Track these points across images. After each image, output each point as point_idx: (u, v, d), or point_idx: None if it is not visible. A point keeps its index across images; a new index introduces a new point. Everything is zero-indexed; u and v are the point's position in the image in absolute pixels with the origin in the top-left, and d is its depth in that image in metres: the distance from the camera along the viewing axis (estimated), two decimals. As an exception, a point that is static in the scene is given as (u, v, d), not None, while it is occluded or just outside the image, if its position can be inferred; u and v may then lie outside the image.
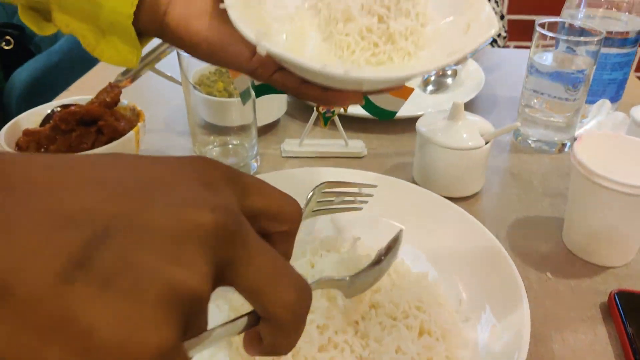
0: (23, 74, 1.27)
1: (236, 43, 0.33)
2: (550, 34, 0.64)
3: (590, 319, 0.46)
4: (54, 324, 0.15)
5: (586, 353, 0.43)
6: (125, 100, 0.62)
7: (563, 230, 0.55)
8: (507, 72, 0.95)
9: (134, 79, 0.69)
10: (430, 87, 0.86)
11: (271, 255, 0.21)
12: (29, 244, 0.16)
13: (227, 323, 0.22)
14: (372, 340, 0.39)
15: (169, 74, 0.73)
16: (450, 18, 0.35)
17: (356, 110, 0.66)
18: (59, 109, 0.61)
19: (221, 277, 0.20)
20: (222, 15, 0.33)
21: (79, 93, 0.68)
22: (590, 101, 0.73)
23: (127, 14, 0.35)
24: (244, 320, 0.22)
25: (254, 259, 0.20)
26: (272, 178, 0.47)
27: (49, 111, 0.62)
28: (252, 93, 0.61)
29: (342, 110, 0.66)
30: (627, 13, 0.71)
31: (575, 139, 0.70)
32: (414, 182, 0.62)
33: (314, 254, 0.46)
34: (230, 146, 0.66)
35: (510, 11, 1.99)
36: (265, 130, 0.74)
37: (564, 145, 0.70)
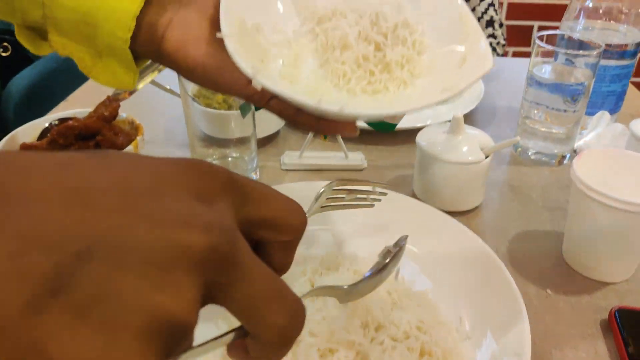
0: (20, 81, 1.27)
1: (233, 70, 0.33)
2: (549, 47, 0.64)
3: (591, 336, 0.46)
4: (20, 357, 0.14)
5: (587, 372, 0.43)
6: (124, 113, 0.62)
7: (563, 246, 0.55)
8: (506, 81, 0.95)
9: (132, 91, 0.69)
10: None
11: (266, 277, 0.20)
12: None
13: (213, 339, 0.21)
14: (373, 361, 0.39)
15: (168, 87, 0.73)
16: (446, 47, 0.36)
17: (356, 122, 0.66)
18: (56, 122, 0.61)
19: (210, 297, 0.19)
20: (219, 42, 0.33)
21: (77, 104, 0.68)
22: (590, 113, 0.73)
23: (124, 38, 0.35)
24: (231, 336, 0.21)
25: (247, 282, 0.19)
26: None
27: (46, 125, 0.61)
28: (252, 105, 0.61)
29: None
30: (625, 25, 0.71)
31: (574, 151, 0.71)
32: (414, 195, 0.62)
33: (314, 272, 0.45)
34: (230, 159, 0.66)
35: (509, 17, 2.00)
36: (265, 142, 0.74)
37: (563, 157, 0.70)
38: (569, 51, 0.64)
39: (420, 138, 0.60)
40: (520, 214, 0.61)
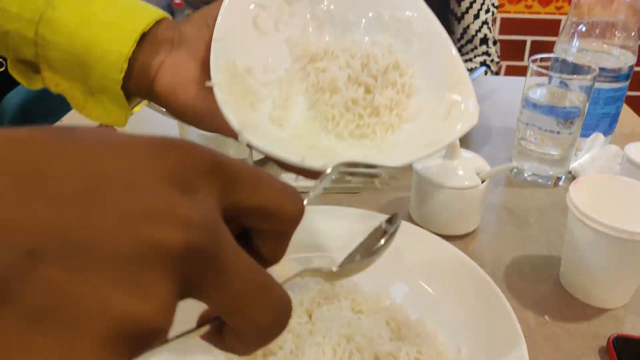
0: (14, 98, 1.26)
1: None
2: (544, 71, 0.65)
3: (589, 364, 0.46)
4: None
5: (586, 402, 0.43)
6: (119, 137, 0.62)
7: (560, 271, 0.55)
8: (500, 101, 0.96)
9: (128, 114, 0.69)
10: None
11: (249, 273, 0.18)
12: None
13: (188, 332, 0.19)
14: (372, 394, 0.38)
15: (164, 109, 0.73)
16: (436, 93, 0.36)
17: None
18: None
19: (188, 294, 0.17)
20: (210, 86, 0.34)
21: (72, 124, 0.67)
22: (584, 134, 0.74)
23: (117, 79, 0.35)
24: (207, 327, 0.20)
25: (229, 281, 0.17)
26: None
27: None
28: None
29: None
30: (618, 48, 0.72)
31: (570, 172, 0.71)
32: (410, 219, 0.62)
33: (312, 302, 0.45)
34: (226, 182, 0.66)
35: (502, 31, 2.02)
36: (261, 164, 0.74)
37: (559, 178, 0.70)
38: (564, 76, 0.65)
39: (416, 162, 0.60)
40: (517, 238, 0.61)
